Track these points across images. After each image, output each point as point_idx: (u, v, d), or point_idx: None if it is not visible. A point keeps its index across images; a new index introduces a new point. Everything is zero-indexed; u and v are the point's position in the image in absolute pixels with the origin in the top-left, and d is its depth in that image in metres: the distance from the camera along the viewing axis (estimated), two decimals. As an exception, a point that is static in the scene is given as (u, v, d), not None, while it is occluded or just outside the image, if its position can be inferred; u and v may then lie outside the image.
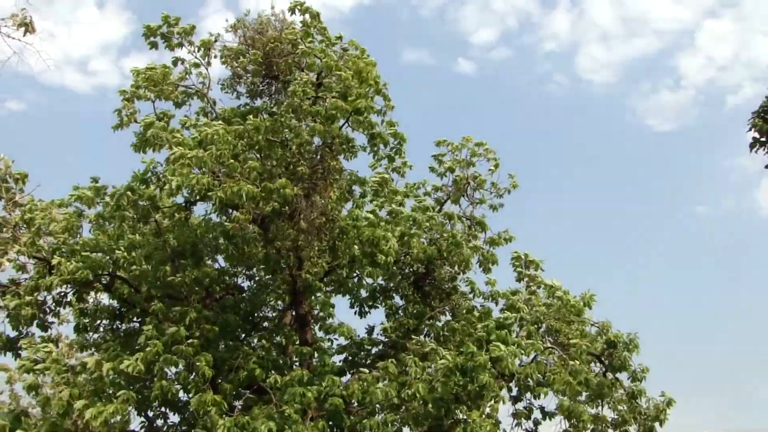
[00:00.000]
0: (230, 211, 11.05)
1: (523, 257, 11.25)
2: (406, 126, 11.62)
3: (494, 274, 12.20)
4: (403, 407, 9.28)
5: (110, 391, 8.86)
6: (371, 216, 10.52)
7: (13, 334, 10.00)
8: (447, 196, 13.10)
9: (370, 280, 12.72)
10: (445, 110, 35.12)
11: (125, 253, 10.46)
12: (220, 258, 12.00)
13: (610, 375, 10.36)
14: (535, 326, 10.27)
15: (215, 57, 11.21)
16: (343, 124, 10.96)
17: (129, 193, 9.98)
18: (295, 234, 10.57)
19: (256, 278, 12.71)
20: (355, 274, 12.69)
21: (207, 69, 11.30)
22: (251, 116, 10.30)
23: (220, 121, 9.98)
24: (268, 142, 10.86)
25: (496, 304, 11.54)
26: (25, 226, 9.85)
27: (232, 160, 9.60)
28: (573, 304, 10.49)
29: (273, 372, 10.11)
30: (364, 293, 12.77)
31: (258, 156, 11.13)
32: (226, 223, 10.83)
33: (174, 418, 10.28)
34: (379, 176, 11.96)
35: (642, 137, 34.83)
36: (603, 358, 10.44)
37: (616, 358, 10.28)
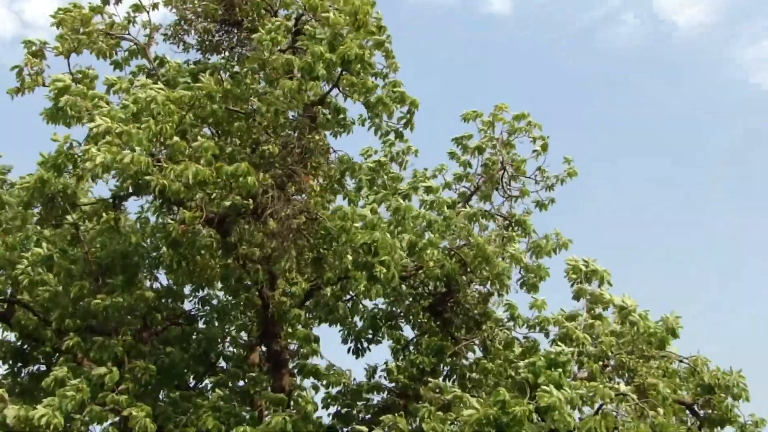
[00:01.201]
0: (175, 208, 11.21)
1: (582, 267, 11.06)
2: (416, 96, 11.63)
3: (542, 293, 12.31)
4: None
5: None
6: (368, 213, 10.40)
7: None
8: (474, 187, 13.29)
9: (369, 304, 12.94)
10: (468, 70, 33.50)
11: (30, 270, 10.61)
12: (161, 274, 12.24)
13: (707, 431, 10.32)
14: (601, 363, 10.23)
15: (158, -3, 11.62)
16: (331, 89, 11.12)
17: (38, 184, 10.02)
18: (265, 239, 10.68)
19: (213, 301, 12.94)
20: (348, 296, 12.96)
21: (149, 13, 11.52)
22: (204, 76, 10.33)
23: (160, 84, 10.25)
24: (228, 112, 11.02)
25: (547, 334, 11.43)
26: None
27: (177, 138, 9.67)
28: (653, 332, 10.28)
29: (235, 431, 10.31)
30: (360, 322, 13.17)
31: (213, 132, 11.41)
32: (169, 224, 10.87)
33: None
34: (374, 162, 12.08)
35: (747, 100, 31.49)
36: (697, 407, 10.40)
37: (716, 408, 10.19)
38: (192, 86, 10.35)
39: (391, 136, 12.07)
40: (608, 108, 32.13)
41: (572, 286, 11.18)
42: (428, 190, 11.87)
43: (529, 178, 13.14)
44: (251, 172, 9.59)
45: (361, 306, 13.09)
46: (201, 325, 12.75)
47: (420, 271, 11.96)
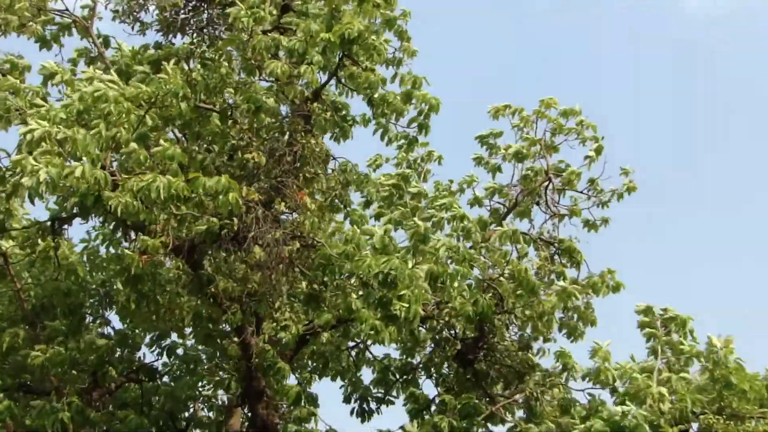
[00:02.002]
0: (132, 234, 11.27)
1: (658, 315, 11.20)
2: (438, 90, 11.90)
3: (606, 334, 12.69)
4: None
5: None
6: (378, 232, 10.46)
7: None
8: (511, 203, 13.36)
9: (378, 352, 13.20)
10: (499, 55, 33.32)
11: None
12: (114, 317, 12.38)
13: None
14: (682, 429, 10.11)
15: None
16: (329, 80, 11.29)
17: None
18: (248, 271, 10.75)
19: (180, 351, 12.94)
20: (352, 342, 12.91)
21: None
22: (167, 65, 10.18)
23: (111, 76, 9.87)
24: (198, 110, 11.18)
25: (613, 390, 11.32)
26: None
27: (134, 145, 9.59)
28: (755, 383, 10.09)
29: None
30: (369, 376, 13.24)
31: (180, 137, 11.70)
32: (125, 253, 10.81)
33: None
34: (392, 176, 12.08)
35: None
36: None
37: None
38: (152, 78, 10.34)
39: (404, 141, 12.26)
40: (686, 96, 31.53)
41: (643, 334, 11.30)
42: (448, 207, 11.87)
43: (582, 193, 13.24)
44: (234, 186, 9.46)
45: (369, 355, 13.10)
46: (165, 381, 12.77)
47: (444, 310, 11.94)
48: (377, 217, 12.47)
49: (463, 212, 11.64)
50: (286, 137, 11.11)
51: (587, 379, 11.79)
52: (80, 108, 9.55)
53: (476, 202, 13.34)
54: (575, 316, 12.41)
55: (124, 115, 9.57)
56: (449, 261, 11.28)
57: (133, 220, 9.56)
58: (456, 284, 11.22)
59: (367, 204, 12.64)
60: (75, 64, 11.82)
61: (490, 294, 12.00)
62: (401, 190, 12.66)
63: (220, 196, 9.52)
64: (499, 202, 13.50)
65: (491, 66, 32.95)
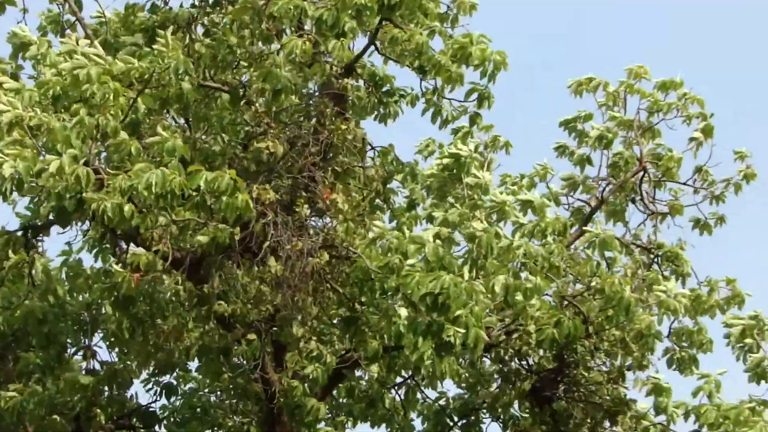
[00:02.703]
0: (123, 244, 11.43)
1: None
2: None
3: (718, 361, 12.42)
4: None
5: None
6: (428, 240, 10.34)
7: None
8: (597, 200, 13.25)
9: (432, 392, 13.04)
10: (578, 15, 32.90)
11: None
12: (103, 349, 12.28)
13: None
14: None
15: None
16: (366, 48, 11.44)
17: None
18: (266, 290, 10.85)
19: (184, 389, 13.05)
20: (399, 378, 12.97)
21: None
22: (165, 35, 10.21)
23: (96, 49, 9.86)
24: (204, 91, 11.30)
25: None
26: None
27: (125, 135, 9.68)
28: None
29: None
30: (419, 421, 13.20)
31: (181, 123, 11.79)
32: (115, 270, 10.88)
33: None
34: (446, 156, 11.91)
35: None
36: None
37: None
38: (146, 52, 10.32)
39: (464, 121, 12.29)
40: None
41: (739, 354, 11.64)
42: (526, 205, 11.64)
43: (685, 184, 13.26)
44: (240, 185, 9.26)
45: (419, 394, 13.08)
46: (166, 427, 12.77)
47: (514, 336, 12.09)
48: (429, 219, 12.29)
49: (542, 200, 11.51)
50: (313, 121, 11.25)
51: (693, 420, 11.78)
52: (57, 88, 9.50)
53: (552, 199, 13.18)
54: (682, 337, 12.46)
55: (111, 98, 9.47)
56: (523, 270, 11.17)
57: (124, 227, 9.53)
58: (534, 301, 11.15)
59: (410, 206, 12.66)
60: (44, 33, 11.84)
61: (572, 312, 11.78)
62: (456, 176, 12.31)
63: (224, 197, 9.38)
64: (581, 200, 13.44)
65: (559, 24, 32.57)
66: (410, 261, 10.15)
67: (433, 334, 10.01)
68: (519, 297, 10.87)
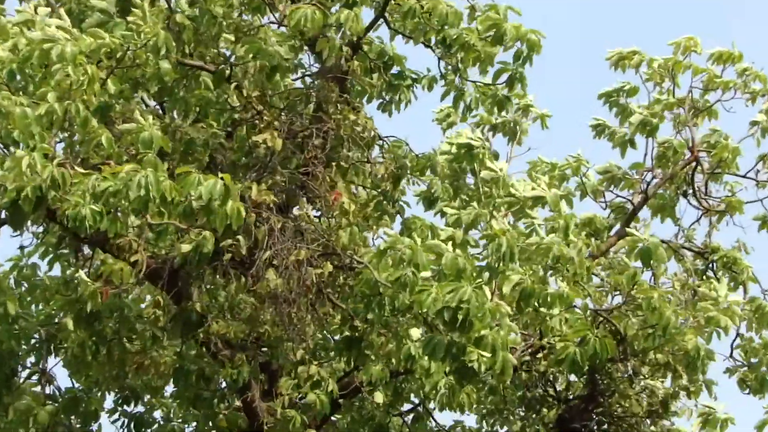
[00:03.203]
0: (86, 249, 11.46)
1: None
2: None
3: None
4: None
5: None
6: (450, 255, 10.38)
7: None
8: (641, 195, 13.40)
9: (447, 418, 13.21)
10: None
11: None
12: (62, 372, 12.30)
13: None
14: None
15: None
16: (374, 22, 11.46)
17: None
18: (257, 306, 10.93)
19: (157, 416, 13.08)
20: (408, 404, 13.04)
21: None
22: (141, 3, 10.33)
23: (61, 19, 9.83)
24: (184, 69, 11.32)
25: None
26: None
27: (94, 122, 9.70)
28: None
29: None
30: None
31: (155, 105, 11.85)
32: (81, 280, 11.04)
33: None
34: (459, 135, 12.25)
35: None
36: None
37: None
38: (118, 23, 10.39)
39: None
40: None
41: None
42: (537, 201, 11.83)
43: (746, 177, 13.37)
44: (232, 190, 9.28)
45: (432, 423, 13.09)
46: None
47: (539, 356, 12.31)
48: (441, 213, 12.63)
49: (556, 195, 11.61)
50: (312, 108, 11.22)
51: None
52: (13, 67, 9.41)
53: (589, 193, 13.38)
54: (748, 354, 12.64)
55: (86, 83, 9.45)
56: (551, 276, 11.35)
57: (89, 231, 9.39)
58: (557, 312, 11.28)
59: (429, 202, 12.64)
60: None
61: (605, 329, 12.02)
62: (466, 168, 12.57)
63: (214, 203, 9.36)
64: (622, 197, 13.53)
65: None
66: (425, 274, 10.22)
67: (453, 356, 10.09)
68: (552, 308, 11.01)
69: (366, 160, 11.58)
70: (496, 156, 12.91)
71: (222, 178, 9.18)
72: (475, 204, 12.35)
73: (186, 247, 10.22)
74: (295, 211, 11.25)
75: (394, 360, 11.09)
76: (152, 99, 11.71)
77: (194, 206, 9.36)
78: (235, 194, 9.50)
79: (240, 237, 10.28)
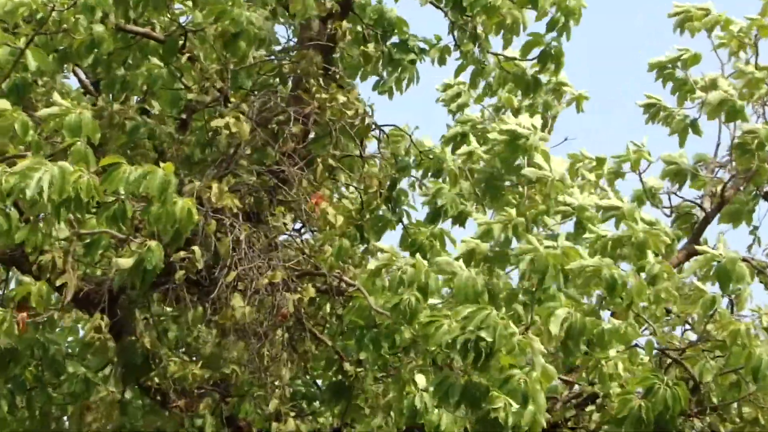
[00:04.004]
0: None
1: None
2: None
3: None
4: None
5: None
6: (464, 275, 10.75)
7: None
8: (714, 199, 13.71)
9: None
10: None
11: None
12: None
13: None
14: None
15: None
16: None
17: None
18: (218, 341, 11.18)
19: None
20: None
21: None
22: None
23: None
24: (125, 39, 11.49)
25: None
26: None
27: (5, 104, 9.79)
28: None
29: None
30: None
31: (88, 84, 12.15)
32: None
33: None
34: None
35: None
36: None
37: None
38: None
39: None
40: None
41: None
42: (608, 213, 12.19)
43: None
44: (169, 181, 9.33)
45: None
46: None
47: (590, 410, 12.31)
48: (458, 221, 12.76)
49: (632, 207, 11.95)
50: (290, 88, 11.40)
51: None
52: None
53: (649, 195, 13.49)
54: None
55: None
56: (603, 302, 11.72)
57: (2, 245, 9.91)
58: (613, 353, 11.38)
59: (434, 215, 12.59)
60: None
61: (676, 375, 11.98)
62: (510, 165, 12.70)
63: (153, 206, 9.41)
64: (689, 200, 13.77)
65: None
66: (434, 300, 10.44)
67: (471, 401, 9.99)
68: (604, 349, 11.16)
69: (359, 154, 11.65)
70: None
71: (163, 169, 9.16)
72: (512, 211, 12.43)
73: (125, 263, 10.18)
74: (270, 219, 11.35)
75: (394, 413, 11.16)
76: (87, 75, 11.98)
77: (128, 208, 9.38)
78: (192, 189, 9.89)
79: (195, 248, 10.30)
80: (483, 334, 9.78)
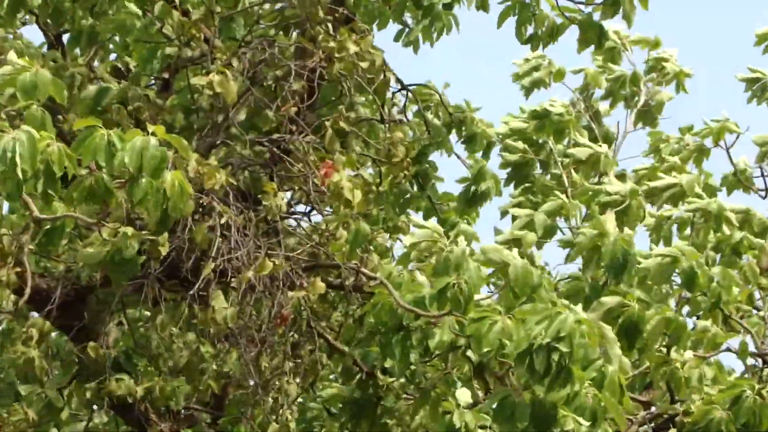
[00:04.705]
0: None
1: None
2: None
3: None
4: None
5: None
6: (518, 263, 10.90)
7: None
8: None
9: None
10: None
11: None
12: None
13: None
14: None
15: None
16: None
17: None
18: (201, 349, 11.35)
19: None
20: None
21: None
22: None
23: None
24: None
25: None
26: None
27: None
28: None
29: None
30: None
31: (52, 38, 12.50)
32: None
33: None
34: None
35: None
36: None
37: None
38: None
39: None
40: None
41: None
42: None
43: None
44: (180, 178, 9.42)
45: None
46: None
47: None
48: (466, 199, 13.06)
49: (716, 202, 12.10)
50: (294, 38, 11.49)
51: None
52: None
53: (739, 178, 13.72)
54: None
55: None
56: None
57: None
58: (689, 356, 11.74)
59: (470, 197, 12.83)
60: None
61: None
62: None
63: (141, 180, 9.38)
64: None
65: None
66: (481, 296, 10.50)
67: (539, 422, 10.05)
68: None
69: (379, 117, 11.67)
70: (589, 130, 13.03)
71: (153, 134, 9.11)
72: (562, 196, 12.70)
73: (95, 254, 10.19)
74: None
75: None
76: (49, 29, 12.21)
77: (106, 184, 9.33)
78: (188, 156, 9.77)
79: (165, 235, 10.28)
80: (561, 346, 9.73)
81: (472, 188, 13.42)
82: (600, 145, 13.49)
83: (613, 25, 13.51)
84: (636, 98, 14.35)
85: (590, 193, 13.16)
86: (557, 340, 9.64)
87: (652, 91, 14.01)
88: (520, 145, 13.86)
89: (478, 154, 13.71)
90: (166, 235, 10.37)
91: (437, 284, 10.22)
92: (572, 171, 13.80)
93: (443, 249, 10.46)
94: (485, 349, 9.84)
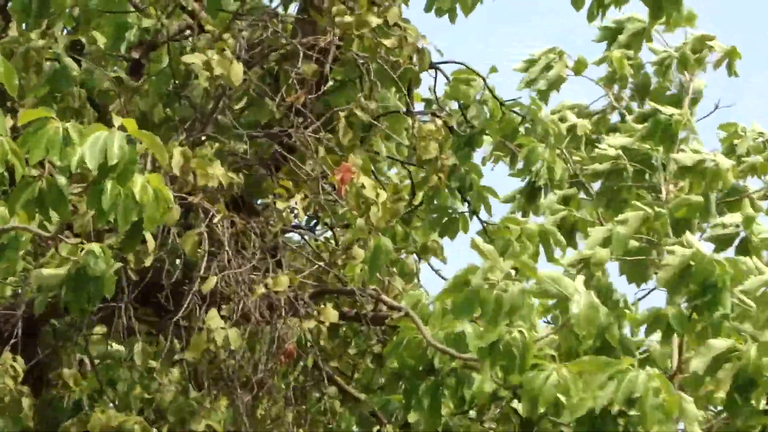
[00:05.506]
0: None
1: None
2: None
3: None
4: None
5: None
6: (564, 285, 11.02)
7: None
8: None
9: None
10: None
11: None
12: None
13: None
14: None
15: None
16: None
17: None
18: (183, 387, 11.80)
19: None
20: None
21: None
22: None
23: None
24: None
25: None
26: None
27: None
28: None
29: None
30: None
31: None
32: None
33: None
34: None
35: None
36: None
37: None
38: None
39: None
40: None
41: None
42: None
43: None
44: (156, 183, 9.36)
45: None
46: None
47: None
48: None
49: None
50: (298, 7, 11.81)
51: None
52: None
53: None
54: None
55: None
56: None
57: None
58: None
59: (528, 191, 12.90)
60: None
61: None
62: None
63: (105, 184, 9.36)
64: None
65: None
66: (539, 335, 10.75)
67: None
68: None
69: (406, 109, 11.79)
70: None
71: (121, 128, 9.00)
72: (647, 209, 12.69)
73: (52, 276, 10.18)
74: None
75: None
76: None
77: (63, 187, 9.29)
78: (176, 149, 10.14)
79: (149, 239, 10.28)
80: (632, 411, 9.90)
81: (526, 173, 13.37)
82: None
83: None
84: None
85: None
86: (627, 404, 9.82)
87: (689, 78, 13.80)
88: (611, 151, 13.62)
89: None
90: (153, 243, 10.41)
91: (487, 336, 10.25)
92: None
93: (494, 285, 10.29)
94: (541, 409, 9.99)
